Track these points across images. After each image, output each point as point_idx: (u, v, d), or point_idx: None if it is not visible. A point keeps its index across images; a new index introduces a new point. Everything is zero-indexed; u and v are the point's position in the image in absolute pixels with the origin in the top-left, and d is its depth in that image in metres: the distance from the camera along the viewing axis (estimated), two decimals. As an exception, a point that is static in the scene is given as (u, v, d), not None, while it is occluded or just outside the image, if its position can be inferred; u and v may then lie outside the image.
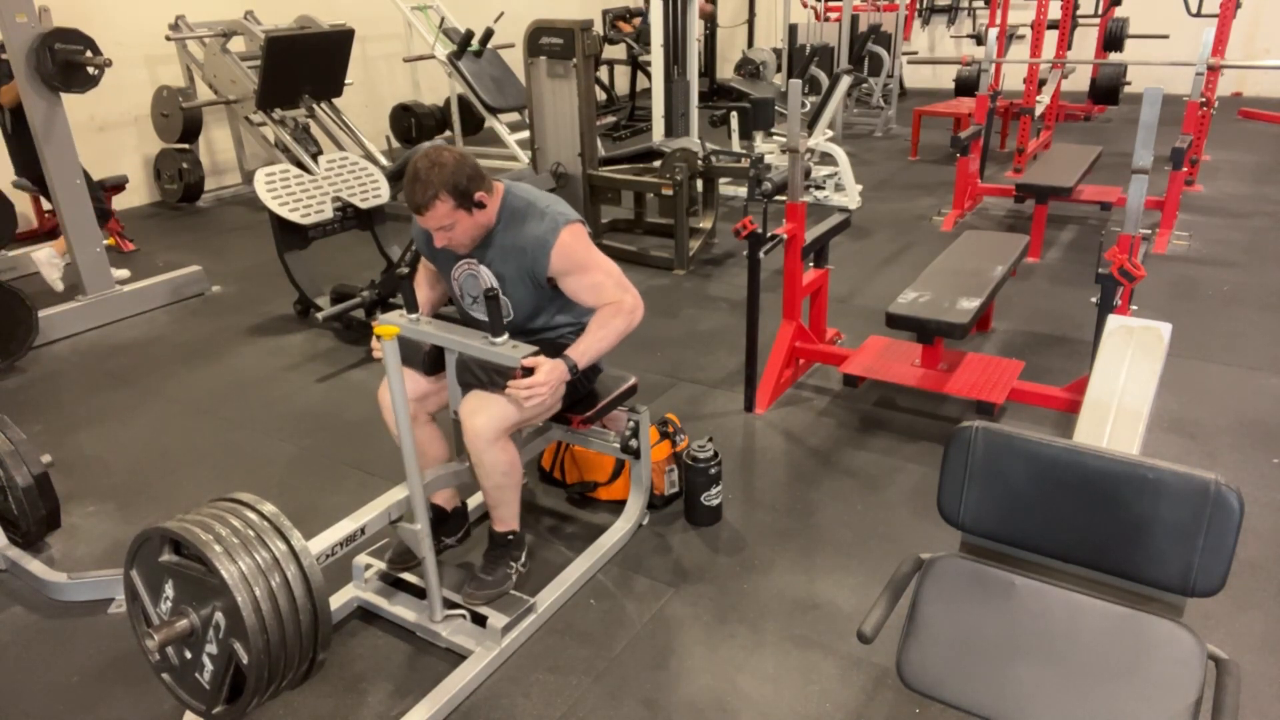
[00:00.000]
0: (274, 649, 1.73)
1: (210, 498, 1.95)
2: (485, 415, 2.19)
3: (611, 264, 2.35)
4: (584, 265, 2.28)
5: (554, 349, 2.41)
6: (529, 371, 2.09)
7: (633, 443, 2.63)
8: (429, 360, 2.37)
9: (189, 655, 1.81)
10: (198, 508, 1.87)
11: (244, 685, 1.76)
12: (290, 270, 4.39)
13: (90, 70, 4.26)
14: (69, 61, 4.19)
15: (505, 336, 2.05)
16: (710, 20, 10.08)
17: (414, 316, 2.10)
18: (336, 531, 2.12)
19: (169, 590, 1.80)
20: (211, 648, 1.77)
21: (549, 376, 2.15)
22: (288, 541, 1.81)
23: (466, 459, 2.43)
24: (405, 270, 2.24)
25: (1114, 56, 7.90)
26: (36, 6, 4.17)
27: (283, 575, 1.76)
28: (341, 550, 2.11)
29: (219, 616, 1.73)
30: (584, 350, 2.24)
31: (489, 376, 2.20)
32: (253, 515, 1.82)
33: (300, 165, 4.72)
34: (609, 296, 2.29)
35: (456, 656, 2.25)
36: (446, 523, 2.63)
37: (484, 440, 2.21)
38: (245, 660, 1.72)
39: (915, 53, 10.51)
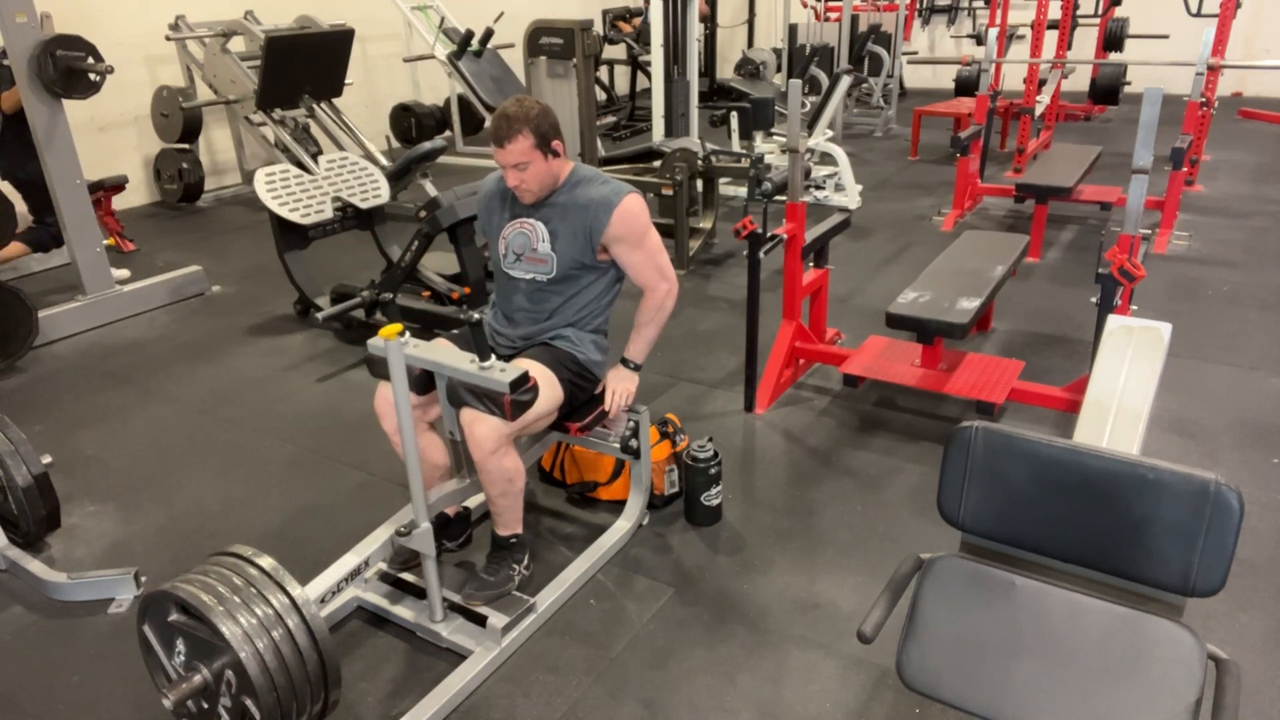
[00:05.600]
0: (284, 700, 1.78)
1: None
2: (486, 424, 2.20)
3: (661, 244, 2.52)
4: (643, 236, 2.46)
5: (550, 351, 2.43)
6: (520, 404, 2.08)
7: (633, 443, 2.63)
8: (420, 382, 2.37)
9: (206, 706, 1.86)
10: (199, 565, 1.91)
11: None
12: (290, 270, 4.39)
13: (92, 77, 4.29)
14: (70, 68, 4.22)
15: (492, 359, 2.05)
16: (707, 20, 10.07)
17: (404, 339, 2.08)
18: (338, 569, 2.14)
19: (180, 646, 1.85)
20: (226, 701, 1.81)
21: (622, 385, 2.56)
22: (288, 594, 1.84)
23: (467, 475, 2.43)
24: (389, 298, 2.25)
25: (1114, 56, 7.90)
26: (39, 14, 4.19)
27: (285, 628, 1.80)
28: (345, 586, 2.13)
29: (229, 674, 1.78)
30: (641, 349, 2.58)
31: (486, 406, 2.19)
32: (252, 570, 1.86)
33: (300, 165, 4.72)
34: (656, 276, 2.49)
35: (456, 656, 2.25)
36: (449, 527, 2.63)
37: (486, 449, 2.22)
38: (257, 716, 1.77)
39: (915, 53, 10.52)
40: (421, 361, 2.13)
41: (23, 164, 4.68)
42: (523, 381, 2.01)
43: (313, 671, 1.83)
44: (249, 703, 1.77)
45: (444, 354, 2.11)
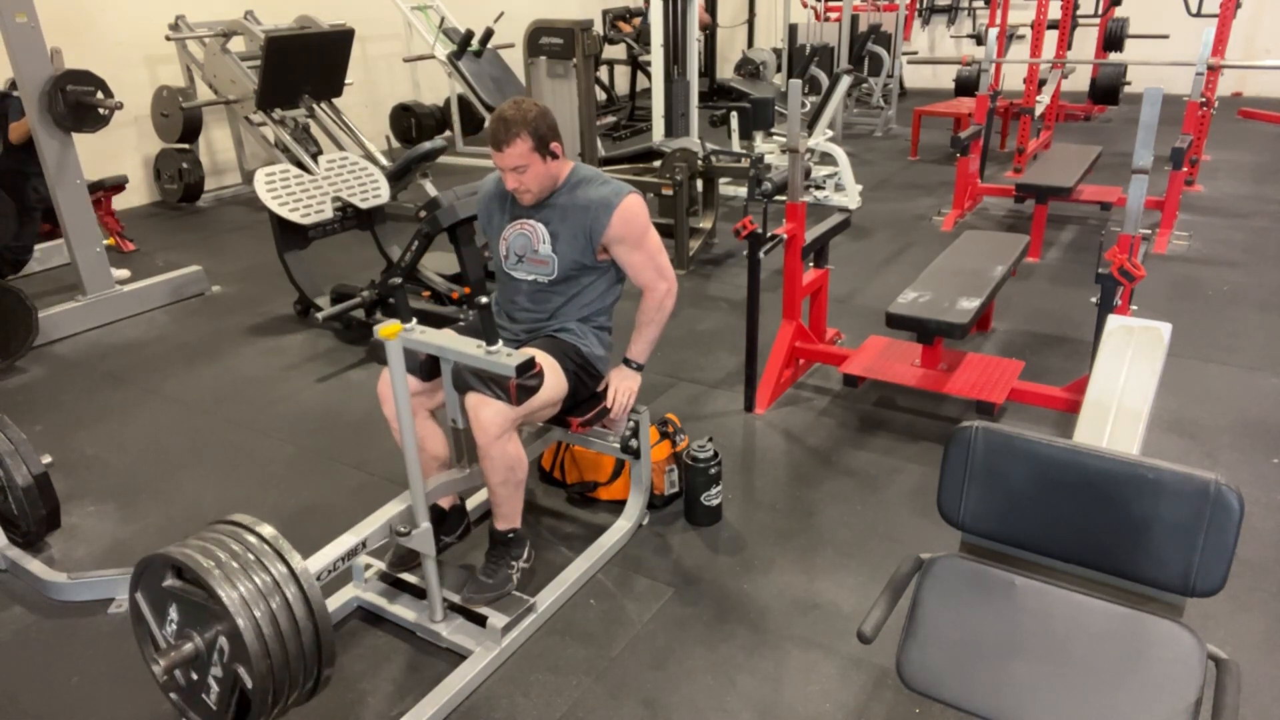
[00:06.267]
0: (277, 671, 1.76)
1: (209, 520, 1.96)
2: (492, 408, 2.21)
3: (661, 244, 2.53)
4: (642, 237, 2.46)
5: (554, 343, 2.44)
6: (526, 389, 2.09)
7: (633, 443, 2.63)
8: (425, 367, 2.38)
9: (195, 677, 1.83)
10: (198, 531, 1.89)
11: (249, 707, 1.77)
12: (290, 270, 4.39)
13: (101, 111, 4.37)
14: (80, 103, 4.29)
15: (499, 344, 2.06)
16: (708, 31, 10.08)
17: (409, 325, 2.10)
18: (337, 547, 2.12)
19: (173, 613, 1.83)
20: (217, 670, 1.79)
21: (625, 384, 2.56)
22: (287, 563, 1.82)
23: (467, 465, 2.43)
24: (397, 282, 2.25)
25: (1114, 56, 7.90)
26: (49, 49, 4.26)
27: (283, 597, 1.78)
28: (343, 565, 2.12)
29: (222, 641, 1.76)
30: (642, 349, 2.58)
31: (491, 389, 2.20)
32: (251, 538, 1.84)
33: (300, 165, 4.72)
34: (655, 276, 2.50)
35: (456, 656, 2.25)
36: (445, 521, 2.63)
37: (491, 435, 2.22)
38: (249, 685, 1.75)
39: (915, 53, 10.52)
40: (428, 346, 2.14)
41: (17, 192, 4.68)
42: (529, 366, 2.03)
43: (308, 645, 1.80)
44: (242, 671, 1.73)
45: (450, 339, 2.12)
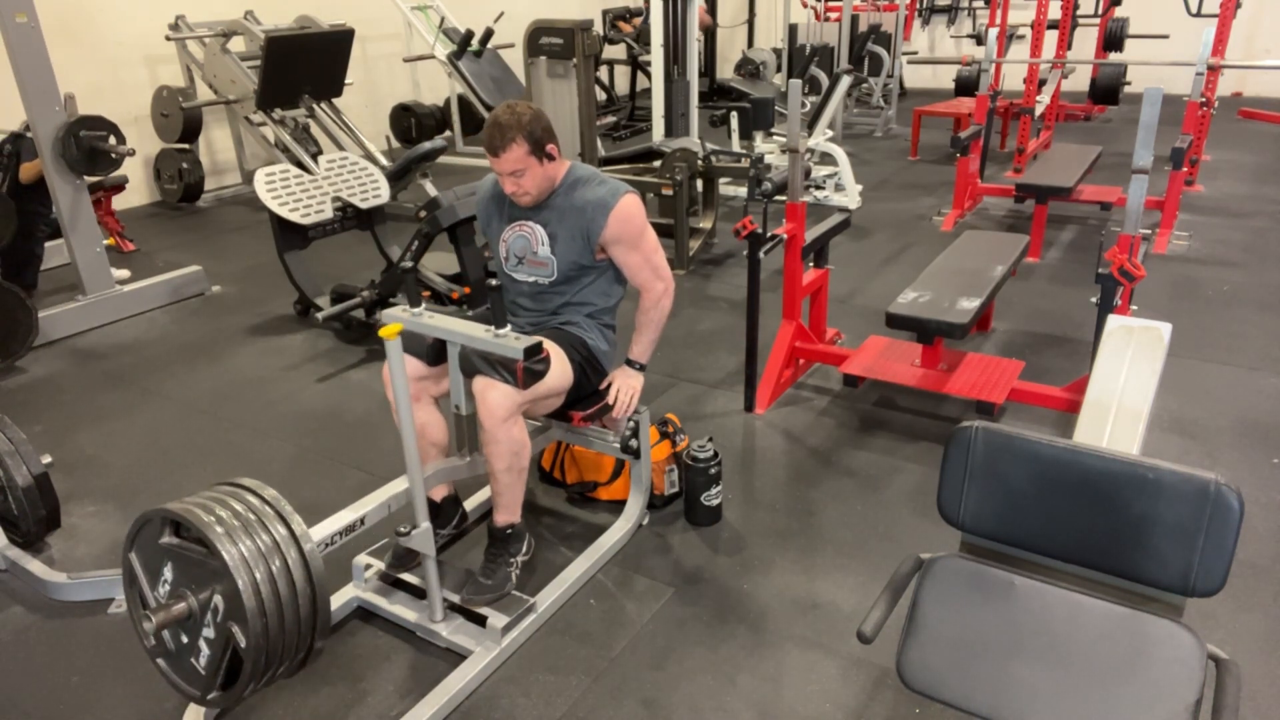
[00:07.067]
0: (272, 633, 1.72)
1: (212, 483, 1.95)
2: (499, 392, 2.21)
3: (658, 244, 2.54)
4: (639, 237, 2.46)
5: (561, 334, 2.45)
6: (533, 373, 2.10)
7: (633, 443, 2.63)
8: (432, 352, 2.39)
9: (185, 639, 1.80)
10: (200, 491, 1.87)
11: (240, 670, 1.75)
12: (290, 270, 4.39)
13: (113, 156, 4.44)
14: (94, 148, 4.36)
15: (508, 328, 2.07)
16: (709, 32, 10.08)
17: (416, 310, 2.12)
18: (337, 520, 2.12)
19: (168, 573, 1.79)
20: (209, 631, 1.75)
21: (628, 383, 2.56)
22: (289, 526, 1.80)
23: (468, 454, 2.44)
24: (408, 266, 2.26)
25: (1114, 56, 7.90)
26: (63, 95, 4.32)
27: (283, 559, 1.75)
28: (341, 539, 2.11)
29: (218, 599, 1.72)
30: (644, 349, 2.59)
31: (498, 372, 2.21)
32: (254, 499, 1.82)
33: (300, 165, 4.72)
34: (651, 277, 2.52)
35: (456, 656, 2.25)
36: (439, 515, 2.63)
37: (498, 418, 2.23)
38: (243, 644, 1.71)
39: (915, 53, 10.52)
40: (436, 330, 2.14)
41: (24, 231, 4.67)
42: (536, 350, 2.04)
43: (304, 611, 1.77)
44: (236, 630, 1.71)
45: (459, 323, 2.12)
